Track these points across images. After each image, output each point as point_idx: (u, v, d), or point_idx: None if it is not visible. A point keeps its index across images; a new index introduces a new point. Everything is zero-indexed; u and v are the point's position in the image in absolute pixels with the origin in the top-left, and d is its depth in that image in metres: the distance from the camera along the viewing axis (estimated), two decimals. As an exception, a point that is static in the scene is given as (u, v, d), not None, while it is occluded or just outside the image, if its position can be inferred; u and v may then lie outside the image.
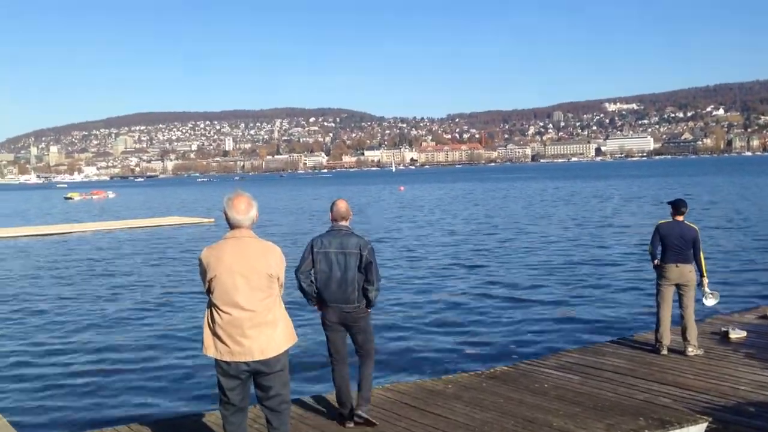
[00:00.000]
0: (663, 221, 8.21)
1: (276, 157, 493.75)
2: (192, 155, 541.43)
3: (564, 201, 46.88)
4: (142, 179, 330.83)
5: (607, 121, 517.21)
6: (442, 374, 8.13)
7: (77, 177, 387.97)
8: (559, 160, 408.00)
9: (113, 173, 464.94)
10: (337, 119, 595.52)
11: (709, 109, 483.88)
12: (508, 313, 11.91)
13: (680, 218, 8.06)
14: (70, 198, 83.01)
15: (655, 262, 8.18)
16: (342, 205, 5.82)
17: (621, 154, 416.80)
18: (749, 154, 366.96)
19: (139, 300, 14.80)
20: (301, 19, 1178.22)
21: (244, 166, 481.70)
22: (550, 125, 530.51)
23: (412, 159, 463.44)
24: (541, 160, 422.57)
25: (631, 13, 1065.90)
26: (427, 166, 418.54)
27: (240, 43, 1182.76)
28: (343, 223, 5.77)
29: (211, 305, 4.30)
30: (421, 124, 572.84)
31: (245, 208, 4.30)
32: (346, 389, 5.87)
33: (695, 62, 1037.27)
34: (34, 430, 7.29)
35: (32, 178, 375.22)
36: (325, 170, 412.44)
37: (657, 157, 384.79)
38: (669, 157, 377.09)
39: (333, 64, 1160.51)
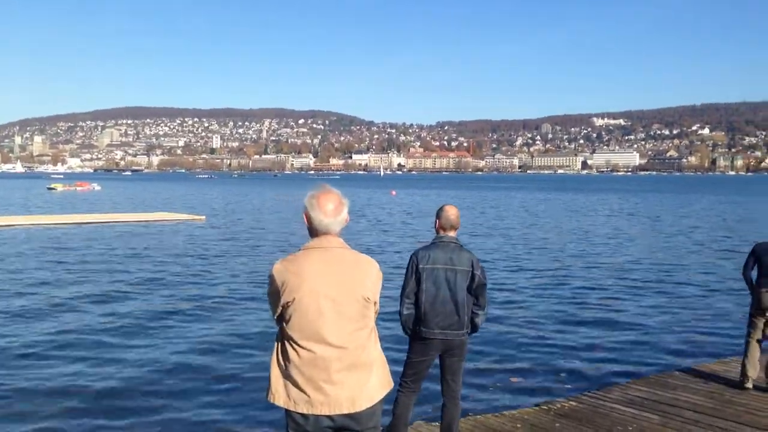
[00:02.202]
0: (762, 241, 7.26)
1: (263, 156, 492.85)
2: (179, 151, 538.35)
3: (574, 213, 46.06)
4: (129, 173, 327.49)
5: (594, 135, 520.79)
6: (490, 407, 7.10)
7: (60, 168, 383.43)
8: (546, 172, 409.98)
9: (97, 166, 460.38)
10: (326, 122, 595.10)
11: (694, 127, 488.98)
12: (550, 337, 10.74)
13: None
14: (53, 189, 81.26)
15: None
16: (453, 213, 4.97)
17: (607, 168, 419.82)
18: (733, 173, 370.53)
19: (138, 309, 13.61)
20: (295, 22, 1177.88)
21: (231, 164, 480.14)
22: (538, 137, 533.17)
23: (399, 164, 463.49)
24: (528, 171, 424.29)
25: (622, 29, 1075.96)
26: (414, 172, 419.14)
27: (232, 42, 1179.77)
28: (452, 233, 4.94)
29: (284, 338, 3.26)
30: (410, 130, 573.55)
31: (335, 209, 3.26)
32: (407, 421, 5.05)
33: (683, 81, 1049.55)
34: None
35: (17, 167, 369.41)
36: (312, 172, 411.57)
37: (642, 172, 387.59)
38: (654, 173, 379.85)
39: (323, 67, 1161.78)
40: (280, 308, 3.22)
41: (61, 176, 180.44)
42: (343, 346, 3.15)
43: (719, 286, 15.79)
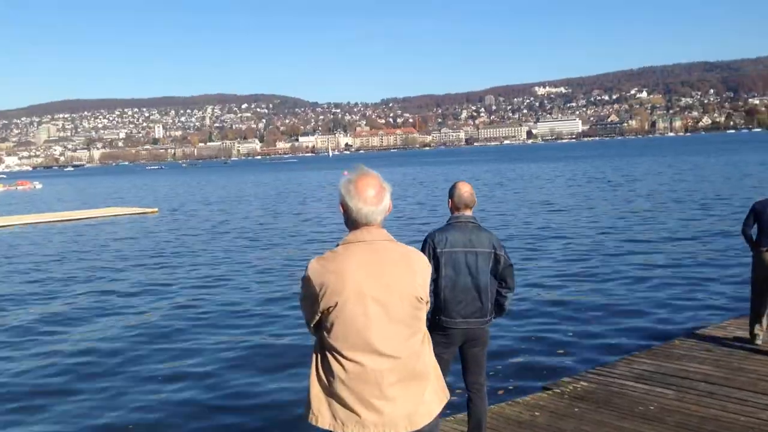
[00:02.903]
0: (761, 199, 7.13)
1: (208, 144, 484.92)
2: (120, 143, 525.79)
3: (530, 183, 46.24)
4: (72, 168, 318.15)
5: (537, 104, 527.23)
6: (495, 395, 6.79)
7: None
8: (492, 143, 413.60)
9: (36, 163, 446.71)
10: (270, 105, 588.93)
11: (633, 91, 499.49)
12: (536, 314, 10.51)
13: None
14: (-8, 189, 78.48)
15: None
16: (466, 190, 4.61)
17: (551, 136, 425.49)
18: (672, 134, 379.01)
19: (97, 309, 12.93)
20: (231, 4, 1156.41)
21: (175, 153, 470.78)
22: (482, 109, 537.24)
23: (346, 144, 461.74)
24: (475, 144, 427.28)
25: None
26: (362, 151, 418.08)
27: (168, 29, 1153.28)
28: (468, 212, 4.58)
29: (325, 349, 2.80)
30: (355, 109, 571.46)
31: (377, 195, 2.78)
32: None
33: (619, 46, 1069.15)
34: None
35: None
36: (259, 156, 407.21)
37: (585, 138, 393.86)
38: (597, 138, 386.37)
39: (265, 50, 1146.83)
40: (319, 315, 2.77)
41: (4, 176, 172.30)
42: (395, 355, 2.72)
43: (697, 249, 15.57)
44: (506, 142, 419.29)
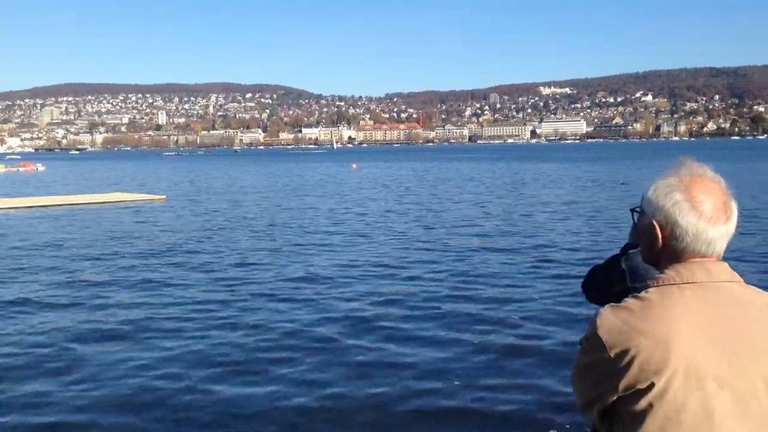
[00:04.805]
0: None
1: (211, 132, 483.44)
2: (123, 128, 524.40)
3: (552, 182, 45.03)
4: (77, 152, 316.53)
5: (542, 104, 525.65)
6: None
7: (0, 148, 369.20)
8: (496, 142, 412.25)
9: (38, 145, 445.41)
10: (275, 96, 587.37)
11: (638, 94, 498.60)
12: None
13: None
14: (-5, 170, 77.18)
15: None
16: None
17: (555, 136, 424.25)
18: (677, 139, 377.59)
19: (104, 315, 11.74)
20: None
21: (177, 140, 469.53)
22: (487, 107, 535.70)
23: (350, 137, 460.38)
24: (479, 141, 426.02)
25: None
26: (365, 145, 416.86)
27: (175, 16, 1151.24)
28: None
29: None
30: (359, 103, 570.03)
31: (724, 207, 1.74)
32: None
33: (625, 49, 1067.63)
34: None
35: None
36: (262, 147, 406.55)
37: (589, 140, 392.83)
38: (601, 140, 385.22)
39: (271, 40, 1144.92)
40: (615, 398, 1.69)
41: (18, 156, 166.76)
42: None
43: None
44: (510, 140, 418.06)
